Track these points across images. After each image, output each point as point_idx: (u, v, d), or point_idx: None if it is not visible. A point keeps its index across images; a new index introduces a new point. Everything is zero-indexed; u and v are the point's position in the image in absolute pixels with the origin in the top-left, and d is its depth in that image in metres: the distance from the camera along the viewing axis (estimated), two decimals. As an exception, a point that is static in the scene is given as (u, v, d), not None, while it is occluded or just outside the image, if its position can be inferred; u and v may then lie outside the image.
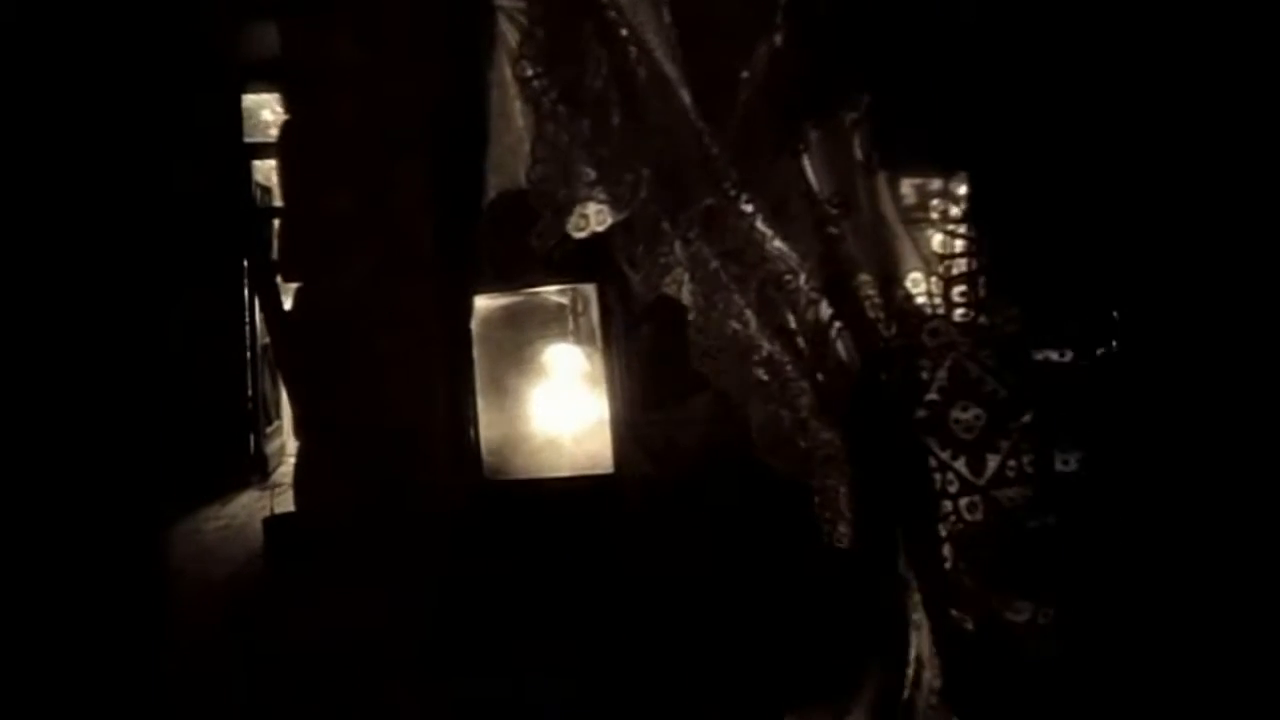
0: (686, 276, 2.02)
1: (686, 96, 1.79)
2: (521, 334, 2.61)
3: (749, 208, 1.81)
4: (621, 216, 2.02)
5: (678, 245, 1.97)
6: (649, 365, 2.53)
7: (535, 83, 1.82)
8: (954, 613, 1.75)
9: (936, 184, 1.76)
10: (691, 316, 2.06)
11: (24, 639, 2.66)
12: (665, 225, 1.94)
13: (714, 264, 1.91)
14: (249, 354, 5.77)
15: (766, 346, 1.95)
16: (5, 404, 3.05)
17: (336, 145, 2.57)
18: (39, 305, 3.23)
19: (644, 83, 1.78)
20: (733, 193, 1.81)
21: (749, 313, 1.94)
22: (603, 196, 2.00)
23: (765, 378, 1.98)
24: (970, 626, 1.73)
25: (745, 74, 1.75)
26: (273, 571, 3.18)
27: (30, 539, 2.87)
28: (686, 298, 2.06)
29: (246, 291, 5.61)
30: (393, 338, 2.58)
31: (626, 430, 2.51)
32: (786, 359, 1.93)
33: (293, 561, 2.82)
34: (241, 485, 5.45)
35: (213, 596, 3.66)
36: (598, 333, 2.55)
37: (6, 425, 3.02)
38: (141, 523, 3.38)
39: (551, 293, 2.61)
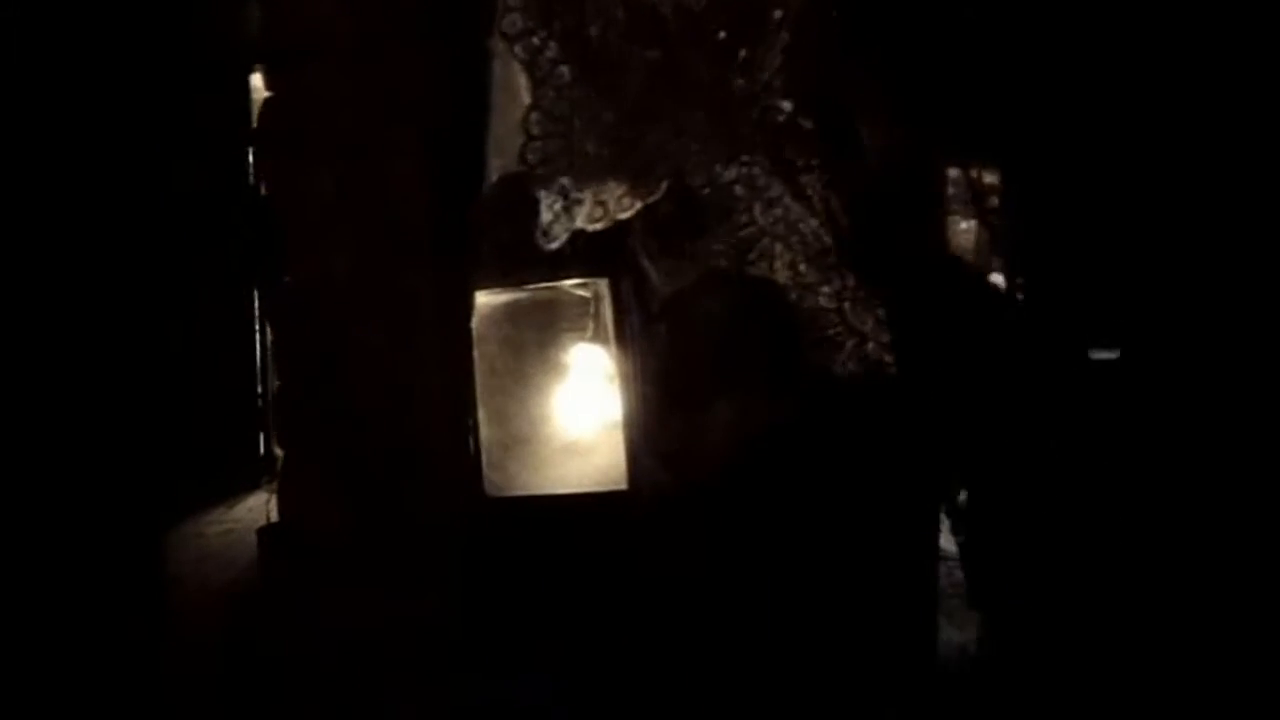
0: (779, 247, 1.74)
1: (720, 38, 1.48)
2: (527, 332, 2.46)
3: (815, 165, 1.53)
4: (653, 199, 1.77)
5: (757, 208, 1.69)
6: (668, 367, 2.33)
7: (528, 39, 1.55)
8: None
9: (989, 174, 1.59)
10: (793, 296, 1.78)
11: (22, 640, 2.60)
12: (740, 190, 1.67)
13: (812, 223, 1.63)
14: (258, 352, 5.66)
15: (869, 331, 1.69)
16: (7, 405, 2.94)
17: (322, 123, 2.38)
18: (40, 302, 3.11)
19: (670, 24, 1.46)
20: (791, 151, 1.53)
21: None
22: (622, 176, 1.75)
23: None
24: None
25: (778, 12, 1.46)
26: (267, 580, 3.07)
27: (31, 541, 2.79)
28: (783, 273, 1.78)
29: (256, 286, 5.51)
30: (385, 335, 2.40)
31: (642, 439, 2.34)
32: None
33: (286, 570, 2.69)
34: (250, 487, 5.34)
35: (212, 602, 3.55)
36: (611, 332, 2.37)
37: (8, 426, 2.92)
38: (145, 526, 3.29)
39: (561, 287, 2.42)
